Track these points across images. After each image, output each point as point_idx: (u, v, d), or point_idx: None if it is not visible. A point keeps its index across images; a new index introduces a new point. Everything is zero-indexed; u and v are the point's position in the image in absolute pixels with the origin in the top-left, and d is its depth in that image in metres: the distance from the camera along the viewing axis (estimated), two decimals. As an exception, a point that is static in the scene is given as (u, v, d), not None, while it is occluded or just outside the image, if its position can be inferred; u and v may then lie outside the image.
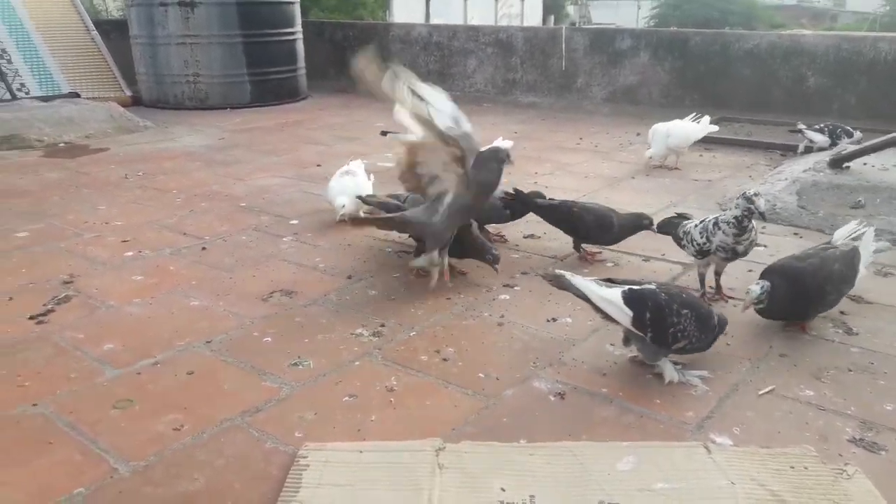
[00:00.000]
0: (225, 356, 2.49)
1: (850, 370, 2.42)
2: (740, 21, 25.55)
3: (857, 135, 5.45)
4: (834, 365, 2.45)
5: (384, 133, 3.56)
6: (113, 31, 9.10)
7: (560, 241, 3.72)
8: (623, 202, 4.51)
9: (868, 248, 2.81)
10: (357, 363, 2.45)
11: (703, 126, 5.37)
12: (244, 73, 8.26)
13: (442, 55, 8.97)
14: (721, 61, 7.30)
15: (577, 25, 17.44)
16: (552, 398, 2.24)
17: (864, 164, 4.69)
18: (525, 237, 3.79)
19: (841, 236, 2.82)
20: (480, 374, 2.37)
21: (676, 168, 5.35)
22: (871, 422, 2.12)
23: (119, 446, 1.99)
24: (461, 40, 8.81)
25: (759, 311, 2.67)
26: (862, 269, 2.76)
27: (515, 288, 3.10)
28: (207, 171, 5.28)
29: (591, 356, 2.51)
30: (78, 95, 7.59)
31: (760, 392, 2.28)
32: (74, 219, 4.09)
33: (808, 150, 5.64)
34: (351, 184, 3.92)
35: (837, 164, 4.59)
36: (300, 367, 2.41)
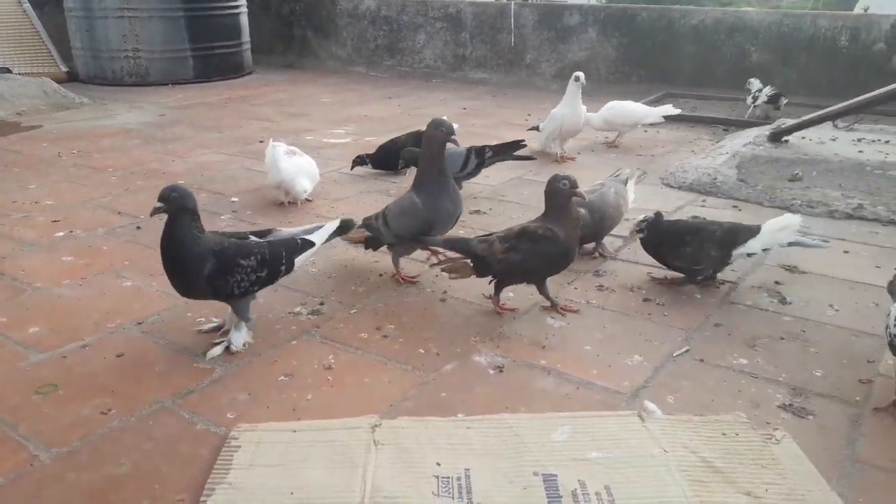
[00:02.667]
0: (157, 338, 2.42)
1: (783, 338, 2.47)
2: (690, -2, 25.84)
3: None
4: (767, 333, 2.50)
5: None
6: (46, 3, 8.71)
7: (504, 216, 3.72)
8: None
9: (787, 234, 2.80)
10: (294, 342, 2.40)
11: (652, 110, 5.43)
12: (187, 48, 8.00)
13: (391, 29, 8.84)
14: (667, 37, 7.35)
15: (528, 0, 17.30)
16: (491, 372, 2.23)
17: (803, 137, 4.78)
18: (471, 213, 3.77)
19: (770, 230, 2.81)
20: (421, 350, 2.35)
21: (614, 145, 5.38)
22: (800, 388, 2.17)
23: (41, 432, 1.92)
24: (410, 14, 8.68)
25: (641, 241, 2.89)
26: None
27: (459, 263, 3.08)
28: (146, 149, 5.11)
29: (531, 329, 2.51)
30: (9, 71, 7.26)
31: (675, 354, 2.34)
32: (2, 199, 3.92)
33: (755, 100, 5.98)
34: (306, 165, 3.81)
35: (777, 137, 4.68)
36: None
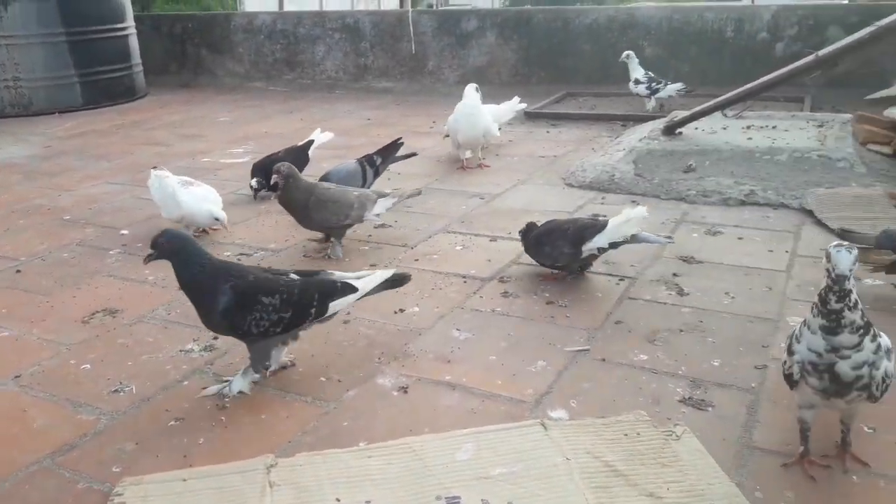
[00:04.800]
0: (35, 391, 2.25)
1: (682, 330, 2.52)
2: (591, -4, 26.39)
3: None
4: (667, 327, 2.54)
5: None
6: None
7: (410, 227, 3.67)
8: (473, 182, 4.53)
9: (630, 227, 2.83)
10: (186, 382, 2.28)
11: (507, 106, 5.49)
12: (72, 74, 7.62)
13: (288, 42, 8.68)
14: (563, 37, 7.49)
15: (433, 7, 17.46)
16: (395, 393, 2.18)
17: (695, 128, 4.93)
18: (376, 227, 3.70)
19: (615, 224, 2.84)
20: (322, 378, 2.27)
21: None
22: (699, 379, 2.20)
23: None
24: (307, 27, 8.55)
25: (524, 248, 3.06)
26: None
27: (362, 281, 3.01)
28: (29, 184, 4.82)
29: (437, 344, 2.47)
30: None
31: (568, 349, 2.36)
32: None
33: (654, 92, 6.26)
34: (205, 192, 3.62)
35: (670, 130, 4.80)
36: (121, 393, 2.21)
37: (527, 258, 3.16)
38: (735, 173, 4.08)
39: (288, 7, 15.34)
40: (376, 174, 3.92)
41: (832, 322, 1.60)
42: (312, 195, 3.19)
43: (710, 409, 2.05)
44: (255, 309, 2.09)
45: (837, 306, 1.59)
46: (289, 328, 2.18)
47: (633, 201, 4.02)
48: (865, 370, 1.62)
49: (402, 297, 2.83)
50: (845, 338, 1.61)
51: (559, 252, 2.89)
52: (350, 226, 3.34)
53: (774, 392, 2.11)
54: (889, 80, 5.42)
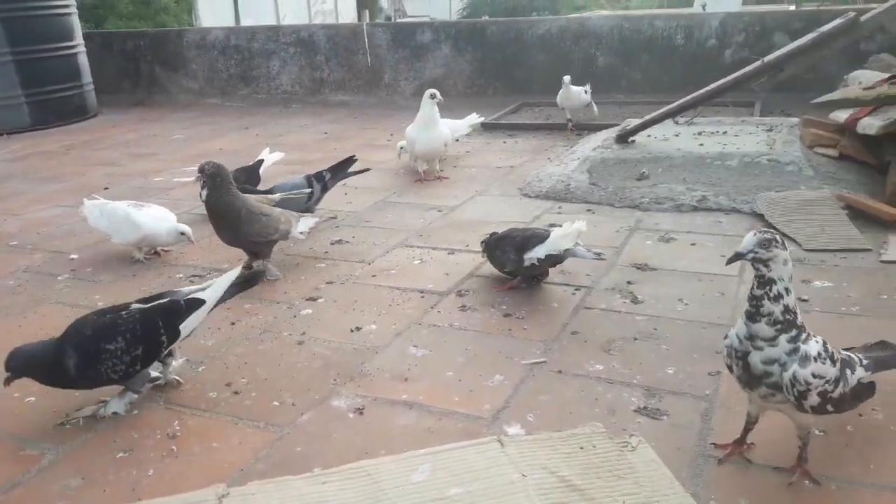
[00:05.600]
0: (-24, 428, 2.17)
1: (636, 339, 2.53)
2: (546, 6, 26.68)
3: None
4: (622, 336, 2.56)
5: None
6: None
7: (368, 243, 3.65)
8: (431, 195, 4.53)
9: (568, 241, 2.83)
10: (135, 412, 2.21)
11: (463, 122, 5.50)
12: (19, 94, 7.45)
13: (243, 57, 8.60)
14: (518, 48, 7.56)
15: (391, 19, 17.53)
16: (351, 415, 2.15)
17: (648, 136, 5.00)
18: (333, 243, 3.67)
19: (555, 236, 2.86)
20: (275, 403, 2.23)
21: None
22: (654, 388, 2.22)
23: None
24: (261, 41, 8.49)
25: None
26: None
27: (319, 300, 2.98)
28: (-26, 210, 4.68)
29: (394, 362, 2.44)
30: None
31: (525, 362, 2.36)
32: None
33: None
34: (163, 213, 3.54)
35: (623, 138, 4.86)
36: (68, 426, 2.14)
37: (484, 270, 3.17)
38: (687, 179, 4.14)
39: (245, 21, 15.26)
40: (324, 190, 3.88)
41: (752, 307, 1.64)
42: (245, 207, 3.09)
43: (664, 417, 2.07)
44: (102, 360, 2.08)
45: (758, 292, 1.63)
46: (149, 361, 2.17)
47: (589, 210, 4.06)
48: (776, 368, 1.64)
49: (358, 315, 2.81)
50: (761, 328, 1.63)
51: (507, 258, 2.94)
52: (275, 242, 3.23)
53: (728, 398, 2.13)
54: (835, 84, 5.56)
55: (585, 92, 6.12)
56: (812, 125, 4.56)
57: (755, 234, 1.62)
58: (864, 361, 1.85)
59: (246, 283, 2.41)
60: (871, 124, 3.99)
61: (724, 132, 4.93)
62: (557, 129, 6.29)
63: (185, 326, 2.21)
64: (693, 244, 3.42)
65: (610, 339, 2.53)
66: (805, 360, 1.63)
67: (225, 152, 6.04)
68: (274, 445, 2.02)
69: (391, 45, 8.01)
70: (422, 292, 3.00)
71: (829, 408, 1.70)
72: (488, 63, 7.68)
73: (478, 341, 2.57)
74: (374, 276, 3.21)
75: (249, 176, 4.19)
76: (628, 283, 3.01)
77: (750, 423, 1.85)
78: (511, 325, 2.69)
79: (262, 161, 4.46)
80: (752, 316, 1.65)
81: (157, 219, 3.48)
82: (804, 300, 2.75)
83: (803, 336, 1.66)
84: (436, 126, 4.81)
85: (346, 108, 8.06)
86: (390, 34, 8.04)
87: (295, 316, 2.84)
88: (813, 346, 1.66)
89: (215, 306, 2.30)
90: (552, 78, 7.42)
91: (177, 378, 2.34)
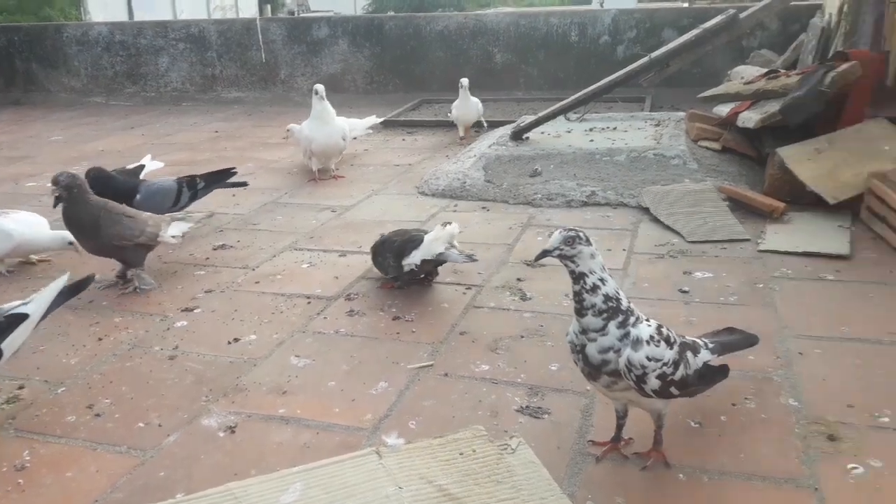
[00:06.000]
0: None
1: (523, 336, 2.52)
2: (452, 3, 26.72)
3: None
4: (509, 334, 2.54)
5: None
6: None
7: (254, 247, 3.50)
8: (325, 195, 4.41)
9: (439, 245, 2.79)
10: (-18, 442, 2.02)
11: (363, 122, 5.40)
12: None
13: (129, 54, 8.17)
14: (416, 44, 7.50)
15: (294, 14, 17.12)
16: (222, 434, 2.02)
17: (542, 133, 5.04)
18: (215, 248, 3.50)
19: (428, 240, 2.81)
20: (140, 424, 2.08)
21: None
22: (537, 386, 2.20)
23: None
24: (149, 37, 8.09)
25: None
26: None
27: (196, 311, 2.82)
28: None
29: (273, 374, 2.33)
30: None
31: (411, 366, 2.31)
32: None
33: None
34: (36, 219, 3.27)
35: (518, 135, 4.88)
36: None
37: (376, 272, 3.09)
38: (577, 175, 4.19)
39: (139, 17, 14.55)
40: (194, 197, 3.64)
41: (577, 303, 1.68)
42: (103, 209, 2.91)
43: (546, 416, 2.05)
44: None
45: (576, 287, 1.67)
46: None
47: (484, 207, 4.05)
48: (611, 355, 1.66)
49: (238, 326, 2.67)
50: (589, 320, 1.67)
51: (387, 264, 2.89)
52: (146, 247, 3.03)
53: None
54: (721, 79, 5.78)
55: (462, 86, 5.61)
56: (696, 119, 4.71)
57: (560, 232, 1.66)
58: (710, 345, 1.90)
59: (74, 289, 2.26)
60: (749, 118, 4.14)
61: (615, 128, 5.03)
62: (456, 126, 6.26)
63: (7, 345, 2.04)
64: (582, 239, 3.45)
65: (497, 338, 2.51)
66: (637, 343, 1.66)
67: (108, 153, 5.70)
68: (135, 471, 1.87)
69: (287, 40, 7.79)
70: (308, 298, 2.89)
71: (674, 391, 1.73)
72: (387, 59, 7.59)
73: (364, 347, 2.49)
74: (257, 282, 3.07)
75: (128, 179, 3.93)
76: (518, 280, 3.00)
77: (620, 419, 1.86)
78: (400, 329, 2.62)
79: (142, 167, 4.18)
80: (579, 311, 1.68)
81: (30, 225, 3.22)
82: (685, 291, 2.81)
83: (632, 320, 1.69)
84: (331, 121, 4.70)
85: (241, 105, 7.79)
86: (285, 29, 7.82)
87: (168, 329, 2.67)
88: (644, 330, 1.69)
89: (43, 318, 2.14)
90: (452, 74, 7.41)
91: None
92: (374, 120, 5.53)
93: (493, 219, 3.84)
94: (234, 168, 3.88)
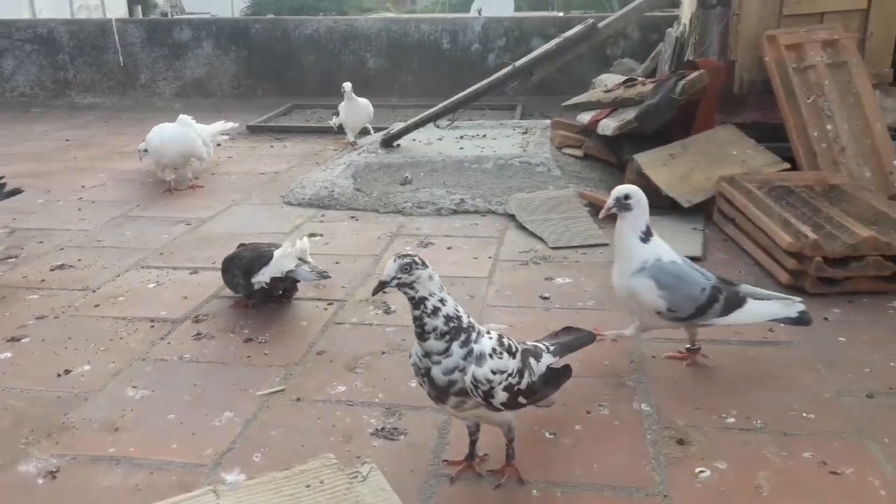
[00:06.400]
0: None
1: (384, 352, 2.43)
2: (333, 7, 26.33)
3: None
4: (369, 351, 2.44)
5: None
6: None
7: (96, 266, 3.22)
8: (181, 206, 4.16)
9: (289, 261, 2.68)
10: None
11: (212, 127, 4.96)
12: None
13: (-34, 56, 7.47)
14: (286, 48, 7.28)
15: (168, 15, 16.39)
16: (41, 481, 1.81)
17: (413, 140, 5.00)
18: (53, 269, 3.20)
19: (277, 256, 2.68)
20: (-57, 475, 1.83)
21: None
22: (394, 405, 2.12)
23: None
24: (-12, 38, 7.42)
25: None
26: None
27: (23, 340, 2.55)
28: None
29: (105, 409, 2.12)
30: None
31: (260, 392, 2.18)
32: None
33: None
34: None
35: (388, 143, 4.81)
36: None
37: (228, 291, 2.91)
38: (447, 183, 4.17)
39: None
40: None
41: (418, 328, 1.63)
42: None
43: (401, 437, 1.97)
44: None
45: (416, 313, 1.61)
46: None
47: (353, 216, 3.94)
48: (457, 375, 1.62)
49: (70, 355, 2.43)
50: (432, 344, 1.62)
51: (236, 281, 2.74)
52: None
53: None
54: (587, 88, 5.95)
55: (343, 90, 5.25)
56: (560, 127, 4.80)
57: (395, 261, 1.59)
58: (551, 348, 1.90)
59: None
60: (608, 125, 4.26)
61: (484, 135, 5.06)
62: (329, 132, 6.11)
63: None
64: (449, 248, 3.42)
65: (357, 356, 2.41)
66: (481, 358, 1.63)
67: (-64, 165, 5.14)
68: (-70, 534, 1.64)
69: (146, 43, 7.36)
70: (152, 321, 2.68)
71: (522, 400, 1.71)
72: (255, 63, 7.33)
73: (210, 374, 2.32)
74: (97, 305, 2.82)
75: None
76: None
77: (472, 435, 1.82)
78: (251, 352, 2.47)
79: None
80: (421, 336, 1.63)
81: None
82: (545, 298, 2.82)
83: (474, 335, 1.65)
84: (185, 131, 4.40)
85: (97, 111, 7.28)
86: (145, 32, 7.39)
87: (-14, 363, 2.39)
88: (486, 344, 1.66)
89: None
90: (324, 80, 7.27)
91: None
92: (222, 125, 5.05)
93: (362, 229, 3.74)
94: (2, 177, 3.36)
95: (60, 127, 6.58)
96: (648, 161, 3.83)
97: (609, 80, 5.61)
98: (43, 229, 3.74)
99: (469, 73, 6.94)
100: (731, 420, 2.02)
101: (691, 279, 2.15)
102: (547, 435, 1.96)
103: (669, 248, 2.24)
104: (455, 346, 1.62)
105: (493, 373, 1.63)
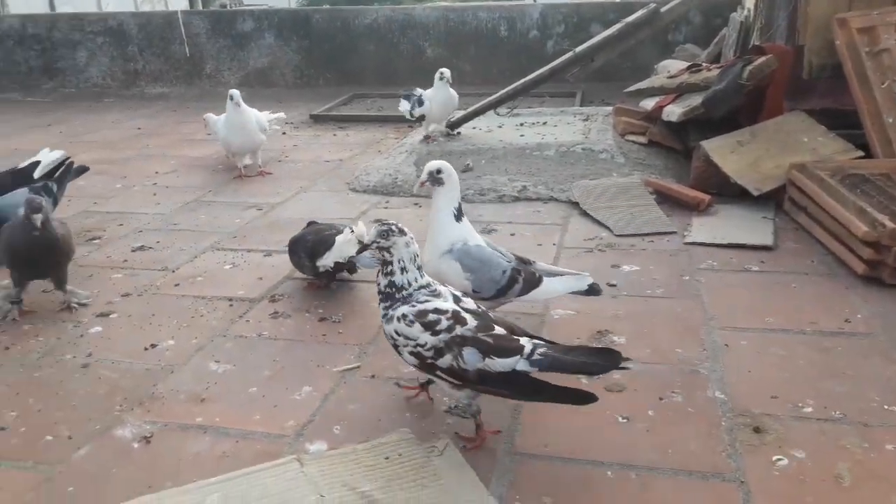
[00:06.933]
0: None
1: (453, 335, 2.47)
2: (386, -2, 26.30)
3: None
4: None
5: None
6: None
7: (174, 248, 3.36)
8: (251, 192, 4.28)
9: (350, 247, 2.70)
10: None
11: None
12: None
13: (44, 49, 7.78)
14: (346, 38, 7.38)
15: (227, 7, 16.64)
16: (136, 445, 1.92)
17: (473, 128, 5.03)
18: (134, 250, 3.34)
19: (339, 242, 2.73)
20: (48, 437, 1.95)
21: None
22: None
23: None
24: (64, 31, 7.72)
25: None
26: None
27: (112, 316, 2.68)
28: None
29: (191, 381, 2.23)
30: None
31: (336, 369, 2.25)
32: None
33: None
34: None
35: (449, 131, 4.85)
36: None
37: (300, 273, 3.00)
38: (509, 170, 4.19)
39: (62, 9, 13.88)
40: (55, 203, 3.29)
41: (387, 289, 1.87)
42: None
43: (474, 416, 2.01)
44: None
45: (385, 271, 1.86)
46: None
47: (416, 203, 3.99)
48: (392, 332, 1.85)
49: (154, 331, 2.55)
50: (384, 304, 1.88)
51: (303, 263, 2.83)
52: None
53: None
54: (649, 74, 5.89)
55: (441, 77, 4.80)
56: (623, 114, 4.77)
57: (376, 227, 1.82)
58: (536, 356, 1.74)
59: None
60: (673, 111, 4.21)
61: (545, 122, 5.05)
62: (389, 120, 6.18)
63: None
64: (513, 234, 3.44)
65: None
66: (390, 320, 1.85)
67: (20, 152, 5.37)
68: (41, 488, 1.76)
69: (211, 33, 7.56)
70: (230, 300, 2.79)
71: (443, 375, 1.80)
72: (317, 53, 7.45)
73: (288, 351, 2.41)
74: (177, 284, 2.94)
75: (15, 182, 3.56)
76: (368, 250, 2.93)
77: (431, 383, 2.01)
78: (326, 330, 2.54)
79: (37, 163, 3.53)
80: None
81: None
82: (612, 285, 2.82)
83: (399, 304, 1.84)
84: (244, 122, 4.46)
85: (165, 100, 7.51)
86: (209, 23, 7.58)
87: (82, 335, 2.53)
88: (400, 310, 1.83)
89: None
90: (382, 69, 7.35)
91: None
92: (273, 115, 5.01)
93: (426, 215, 3.76)
94: (69, 158, 3.49)
95: (131, 116, 6.81)
96: (716, 148, 3.77)
97: (672, 65, 5.53)
98: (122, 213, 3.91)
99: (527, 60, 6.93)
100: (808, 410, 1.99)
101: (493, 262, 2.29)
102: (620, 419, 1.98)
103: (475, 231, 2.41)
104: (382, 306, 1.88)
105: (398, 334, 1.82)
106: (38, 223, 2.46)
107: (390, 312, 1.85)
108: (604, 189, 3.79)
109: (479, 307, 1.91)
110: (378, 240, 1.81)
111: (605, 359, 1.76)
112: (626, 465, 1.80)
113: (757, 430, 1.92)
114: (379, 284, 1.87)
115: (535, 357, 1.73)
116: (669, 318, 2.54)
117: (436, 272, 2.25)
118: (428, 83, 5.83)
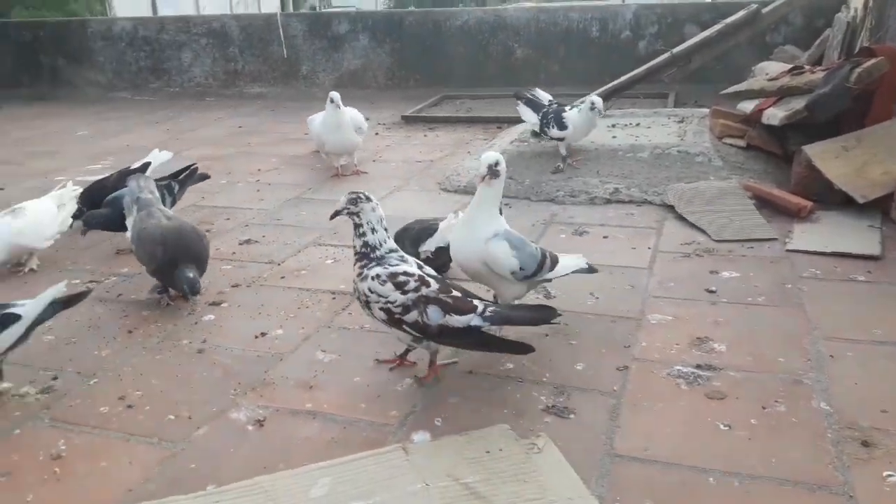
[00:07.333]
0: None
1: (548, 335, 2.51)
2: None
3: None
4: (533, 332, 2.52)
5: None
6: None
7: (279, 242, 3.52)
8: (347, 190, 4.41)
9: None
10: (17, 432, 2.06)
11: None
12: None
13: (152, 50, 8.24)
14: (436, 40, 7.49)
15: (316, 9, 17.21)
16: (250, 428, 2.04)
17: (564, 128, 5.01)
18: (241, 243, 3.53)
19: (441, 229, 2.94)
20: (171, 416, 2.11)
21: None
22: (563, 385, 2.19)
23: None
24: (171, 32, 8.15)
25: None
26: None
27: (223, 305, 2.85)
28: None
29: (300, 369, 2.35)
30: None
31: (442, 362, 2.30)
32: None
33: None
34: (40, 216, 3.23)
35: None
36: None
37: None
38: (600, 172, 4.17)
39: (164, 12, 14.67)
40: (174, 202, 3.58)
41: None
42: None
43: (572, 416, 2.05)
44: None
45: (355, 233, 2.15)
46: None
47: (507, 204, 4.00)
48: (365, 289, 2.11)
49: (265, 320, 2.70)
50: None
51: (406, 251, 2.87)
52: None
53: (635, 394, 2.12)
54: (744, 76, 5.73)
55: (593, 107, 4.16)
56: (720, 116, 4.66)
57: (346, 196, 2.11)
58: (487, 313, 2.11)
59: (67, 303, 2.27)
60: (774, 115, 4.10)
61: (637, 124, 4.99)
62: (478, 122, 6.26)
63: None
64: (605, 237, 3.44)
65: (521, 337, 2.49)
66: (364, 278, 2.10)
67: (133, 148, 5.74)
68: (166, 463, 1.90)
69: (307, 35, 7.82)
70: (333, 293, 2.91)
71: (409, 329, 2.08)
72: (407, 54, 7.59)
73: (389, 343, 2.49)
74: (283, 277, 3.09)
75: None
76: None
77: (409, 349, 2.28)
78: (424, 325, 2.62)
79: (148, 164, 3.91)
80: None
81: (32, 224, 3.19)
82: (712, 291, 2.79)
83: (374, 265, 2.10)
84: (340, 124, 4.59)
85: (263, 100, 7.83)
86: (306, 25, 7.84)
87: (196, 322, 2.70)
88: (374, 270, 2.09)
89: (36, 324, 2.17)
90: (472, 70, 7.43)
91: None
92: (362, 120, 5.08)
93: (516, 216, 3.82)
94: (194, 164, 3.78)
95: (232, 115, 7.13)
96: (819, 153, 3.65)
97: (770, 67, 5.36)
98: (227, 207, 4.12)
99: (618, 60, 6.85)
100: (921, 426, 1.93)
101: (528, 242, 2.47)
102: (721, 426, 1.96)
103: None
104: (358, 266, 2.11)
105: (370, 291, 2.08)
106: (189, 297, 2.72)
107: (365, 272, 2.10)
108: (701, 192, 3.73)
109: (438, 274, 2.23)
110: (348, 206, 2.11)
111: (542, 314, 2.28)
112: (729, 472, 1.79)
113: (865, 443, 1.87)
114: (355, 246, 2.14)
115: (487, 314, 2.12)
116: (771, 327, 2.49)
117: (482, 254, 2.38)
118: (516, 83, 5.82)
